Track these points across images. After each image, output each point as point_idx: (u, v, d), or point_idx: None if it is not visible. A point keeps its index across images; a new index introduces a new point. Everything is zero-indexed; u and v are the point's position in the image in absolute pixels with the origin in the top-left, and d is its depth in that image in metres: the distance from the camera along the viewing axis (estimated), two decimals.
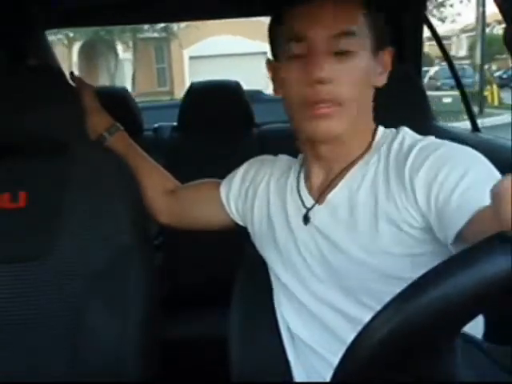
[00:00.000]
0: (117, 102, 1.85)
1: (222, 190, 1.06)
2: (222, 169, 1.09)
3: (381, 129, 0.89)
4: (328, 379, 0.51)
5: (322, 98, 0.80)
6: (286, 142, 0.89)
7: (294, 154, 1.00)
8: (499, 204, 0.42)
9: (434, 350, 0.47)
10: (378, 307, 0.46)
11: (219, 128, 2.00)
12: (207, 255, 1.72)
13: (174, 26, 16.23)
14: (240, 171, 1.05)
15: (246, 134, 2.06)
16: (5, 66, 1.64)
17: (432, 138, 0.83)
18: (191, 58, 18.58)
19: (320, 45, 0.80)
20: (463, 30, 23.59)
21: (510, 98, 12.16)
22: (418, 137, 0.85)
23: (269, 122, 2.13)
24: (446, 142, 0.81)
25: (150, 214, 1.14)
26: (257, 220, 0.99)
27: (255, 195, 1.00)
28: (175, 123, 2.16)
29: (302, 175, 0.95)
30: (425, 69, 14.57)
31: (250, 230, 1.02)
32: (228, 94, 2.04)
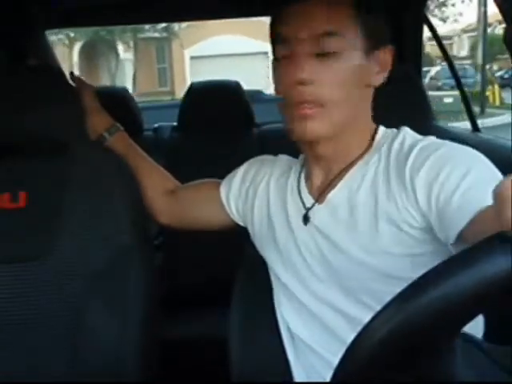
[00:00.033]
0: (117, 101, 1.85)
1: (222, 190, 1.06)
2: (222, 169, 1.08)
3: (381, 129, 0.89)
4: (328, 379, 0.51)
5: (305, 98, 0.81)
6: (286, 142, 0.89)
7: (294, 154, 1.00)
8: (500, 204, 0.42)
9: (434, 350, 0.47)
10: (378, 307, 0.46)
11: (219, 128, 2.00)
12: (207, 255, 1.72)
13: (175, 26, 16.25)
14: (240, 171, 1.05)
15: (245, 134, 2.06)
16: (5, 66, 1.64)
17: (433, 138, 0.83)
18: (192, 57, 18.58)
19: (301, 46, 0.81)
20: (464, 30, 23.59)
21: (510, 98, 12.16)
22: (419, 137, 0.84)
23: (269, 122, 2.13)
24: (447, 142, 0.81)
25: (150, 214, 1.14)
26: (257, 220, 0.99)
27: (255, 195, 1.00)
28: (175, 123, 2.16)
29: (302, 175, 0.95)
30: (426, 69, 14.57)
31: (250, 230, 1.02)
32: (228, 93, 2.04)
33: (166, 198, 1.13)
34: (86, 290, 1.06)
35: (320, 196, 0.90)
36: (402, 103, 1.51)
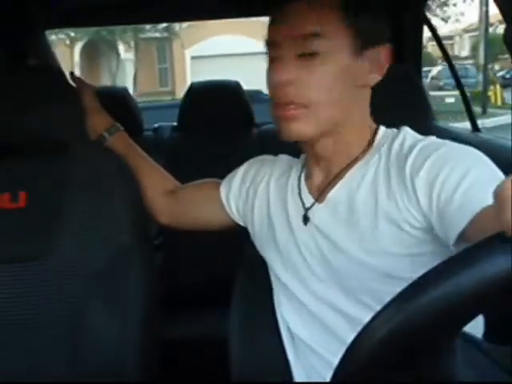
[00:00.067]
0: (117, 101, 1.85)
1: (222, 190, 1.06)
2: (222, 169, 1.08)
3: (382, 129, 0.89)
4: (328, 379, 0.51)
5: (289, 100, 0.82)
6: (286, 142, 0.89)
7: (294, 153, 1.00)
8: (500, 205, 0.42)
9: (434, 350, 0.47)
10: (378, 307, 0.46)
11: (219, 128, 2.00)
12: (207, 255, 1.72)
13: (176, 26, 16.22)
14: (240, 171, 1.05)
15: (245, 134, 2.06)
16: (5, 66, 1.64)
17: (433, 138, 0.83)
18: (193, 57, 18.57)
19: (286, 47, 0.82)
20: (466, 30, 23.57)
21: (511, 98, 12.15)
22: (419, 137, 0.84)
23: (269, 122, 2.13)
24: (447, 142, 0.80)
25: (150, 214, 1.14)
26: (257, 220, 0.99)
27: (255, 195, 1.00)
28: (175, 123, 2.16)
29: (303, 175, 0.95)
30: (427, 68, 14.52)
31: (250, 230, 1.02)
32: (228, 93, 2.04)
33: (166, 198, 1.13)
34: (86, 290, 1.06)
35: (320, 196, 0.90)
36: (401, 103, 1.51)
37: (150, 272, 1.11)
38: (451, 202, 0.71)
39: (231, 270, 1.04)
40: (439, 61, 15.70)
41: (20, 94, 1.08)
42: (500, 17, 1.15)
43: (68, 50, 16.80)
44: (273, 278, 0.98)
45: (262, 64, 0.88)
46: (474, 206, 0.66)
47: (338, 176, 0.88)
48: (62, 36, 14.76)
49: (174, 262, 1.89)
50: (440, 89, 13.36)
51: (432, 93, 11.77)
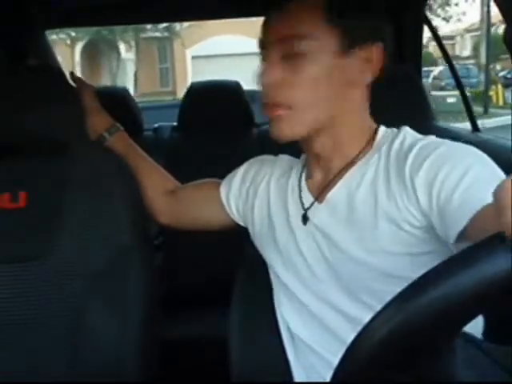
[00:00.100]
0: (117, 102, 1.85)
1: (222, 190, 1.06)
2: (222, 169, 1.08)
3: (382, 129, 0.89)
4: (328, 379, 0.51)
5: (275, 100, 0.84)
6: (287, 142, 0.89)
7: (294, 154, 1.00)
8: (500, 208, 0.42)
9: (434, 350, 0.47)
10: (379, 307, 0.46)
11: (219, 128, 2.00)
12: (207, 255, 1.72)
13: (177, 26, 16.20)
14: (240, 171, 1.05)
15: (245, 134, 2.06)
16: (5, 66, 1.64)
17: (433, 138, 0.83)
18: (194, 57, 18.56)
19: (272, 49, 0.83)
20: (467, 30, 23.54)
21: (511, 97, 12.13)
22: (419, 136, 0.84)
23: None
24: (447, 141, 0.80)
25: (150, 214, 1.14)
26: (257, 220, 0.99)
27: (255, 195, 1.00)
28: (175, 123, 2.16)
29: (303, 175, 0.95)
30: (429, 68, 14.46)
31: (250, 230, 1.02)
32: (228, 93, 2.04)
33: (166, 198, 1.13)
34: (86, 290, 1.06)
35: (320, 195, 0.90)
36: (402, 103, 1.51)
37: (149, 272, 1.11)
38: (451, 200, 0.71)
39: (231, 269, 1.04)
40: (441, 61, 15.66)
41: (20, 94, 1.08)
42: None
43: (69, 50, 16.80)
44: (273, 278, 0.98)
45: None
46: (474, 205, 0.66)
47: (338, 176, 0.88)
48: (62, 36, 14.76)
49: (174, 262, 1.89)
50: (442, 89, 13.33)
51: (434, 93, 11.76)
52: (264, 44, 0.85)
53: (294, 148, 0.94)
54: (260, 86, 0.85)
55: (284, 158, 1.03)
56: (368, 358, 0.45)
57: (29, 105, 1.07)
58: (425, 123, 1.66)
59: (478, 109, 10.91)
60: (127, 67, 17.99)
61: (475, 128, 1.99)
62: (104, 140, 1.15)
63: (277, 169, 1.00)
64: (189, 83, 2.26)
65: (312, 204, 0.90)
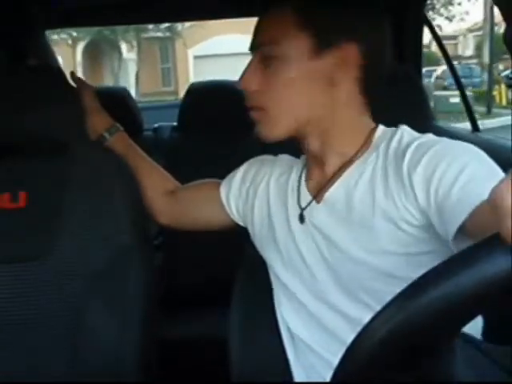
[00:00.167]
0: (117, 102, 1.85)
1: (222, 190, 1.06)
2: (222, 169, 1.08)
3: (380, 128, 0.89)
4: (328, 379, 0.51)
5: (252, 104, 0.88)
6: (286, 142, 0.89)
7: (294, 153, 1.00)
8: (499, 213, 0.41)
9: (434, 350, 0.47)
10: (378, 307, 0.46)
11: (219, 128, 1.99)
12: (207, 255, 1.72)
13: (178, 26, 16.19)
14: (240, 171, 1.05)
15: (246, 134, 2.05)
16: (5, 66, 1.64)
17: (430, 136, 0.83)
18: (196, 57, 18.54)
19: (253, 54, 0.88)
20: (470, 30, 23.52)
21: None
22: (417, 134, 0.84)
23: None
24: (444, 139, 0.80)
25: (150, 214, 1.14)
26: (257, 220, 0.99)
27: (255, 195, 1.00)
28: (175, 123, 2.16)
29: (303, 175, 0.95)
30: (432, 68, 14.38)
31: (250, 230, 1.02)
32: (228, 93, 2.03)
33: (166, 198, 1.13)
34: (86, 290, 1.07)
35: (318, 195, 0.90)
36: (402, 103, 1.51)
37: (149, 272, 1.11)
38: (449, 196, 0.70)
39: (231, 269, 1.04)
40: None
41: (20, 94, 1.08)
42: None
43: (70, 50, 16.82)
44: (273, 278, 0.98)
45: None
46: (473, 200, 0.65)
47: (336, 175, 0.88)
48: (64, 36, 14.75)
49: (174, 262, 1.89)
50: (444, 88, 13.28)
51: (437, 92, 11.73)
52: (250, 49, 0.89)
53: (294, 148, 0.94)
54: (240, 89, 0.89)
55: (284, 158, 1.03)
56: (368, 357, 0.45)
57: (29, 105, 1.08)
58: (424, 123, 1.66)
59: (481, 109, 10.88)
60: (129, 67, 17.99)
61: (475, 128, 1.99)
62: (104, 140, 1.15)
63: (276, 169, 1.00)
64: None
65: (309, 203, 0.90)
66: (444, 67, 14.65)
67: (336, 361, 0.48)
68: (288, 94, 0.84)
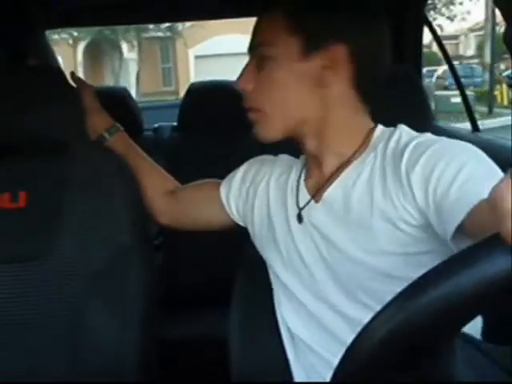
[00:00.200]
0: (117, 102, 1.85)
1: (222, 190, 1.06)
2: (222, 169, 1.08)
3: (379, 127, 0.89)
4: (328, 379, 0.51)
5: (248, 105, 0.90)
6: (286, 142, 0.90)
7: (294, 153, 1.00)
8: (499, 215, 0.41)
9: (434, 350, 0.47)
10: (377, 307, 0.46)
11: (219, 128, 1.99)
12: (207, 255, 1.72)
13: (179, 25, 16.19)
14: (240, 171, 1.06)
15: (245, 134, 2.04)
16: (5, 66, 1.64)
17: (428, 135, 0.83)
18: (197, 57, 18.53)
19: (249, 56, 0.90)
20: (472, 29, 23.49)
21: None
22: (415, 134, 0.85)
23: None
24: (443, 138, 0.80)
25: (150, 214, 1.14)
26: (257, 220, 0.99)
27: (255, 195, 1.00)
28: (175, 123, 2.16)
29: (303, 174, 0.95)
30: (433, 68, 14.34)
31: (250, 230, 1.02)
32: (228, 94, 2.03)
33: (166, 198, 1.13)
34: (86, 290, 1.06)
35: (317, 195, 0.90)
36: (402, 103, 1.51)
37: (149, 272, 1.11)
38: (447, 196, 0.70)
39: (231, 269, 1.04)
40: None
41: (20, 94, 1.08)
42: None
43: (71, 50, 16.82)
44: (273, 278, 0.98)
45: None
46: (471, 199, 0.65)
47: (334, 175, 0.88)
48: (64, 35, 14.75)
49: (174, 262, 1.89)
50: (445, 88, 13.26)
51: (438, 92, 11.70)
52: (248, 50, 0.91)
53: (293, 148, 0.94)
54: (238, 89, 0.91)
55: (284, 158, 1.03)
56: (368, 357, 0.45)
57: (29, 105, 1.08)
58: (424, 123, 1.66)
59: (482, 108, 10.86)
60: (129, 67, 17.98)
61: (475, 128, 1.99)
62: (104, 140, 1.15)
63: (276, 168, 1.00)
64: None
65: (307, 203, 0.90)
66: (445, 67, 14.61)
67: (336, 361, 0.48)
68: (280, 95, 0.86)
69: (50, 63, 2.11)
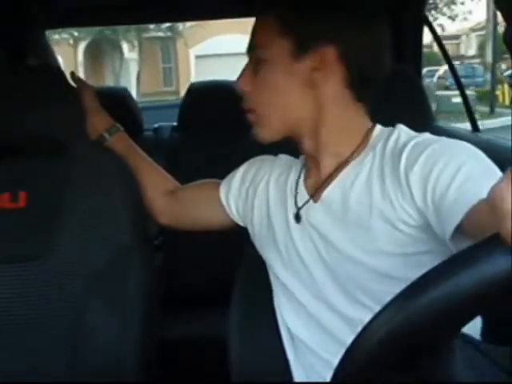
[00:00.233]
0: (117, 102, 1.85)
1: (222, 190, 1.06)
2: (222, 169, 1.08)
3: (378, 127, 0.89)
4: (328, 379, 0.51)
5: (246, 106, 0.92)
6: (285, 143, 0.90)
7: (294, 154, 1.00)
8: (499, 216, 0.41)
9: (433, 350, 0.47)
10: (376, 307, 0.46)
11: (219, 128, 1.99)
12: (207, 255, 1.72)
13: (180, 25, 16.19)
14: (240, 171, 1.06)
15: (245, 134, 2.05)
16: (5, 66, 1.64)
17: (427, 135, 0.83)
18: (197, 57, 18.53)
19: (249, 56, 0.91)
20: (473, 29, 23.46)
21: None
22: (414, 134, 0.84)
23: None
24: (442, 138, 0.80)
25: (150, 214, 1.14)
26: (257, 220, 0.99)
27: (255, 195, 1.00)
28: (175, 123, 2.16)
29: (302, 175, 0.95)
30: (434, 68, 14.34)
31: (250, 230, 1.02)
32: (228, 94, 2.03)
33: (166, 198, 1.13)
34: (86, 290, 1.07)
35: (315, 195, 0.90)
36: (401, 103, 1.51)
37: (149, 272, 1.11)
38: (446, 196, 0.70)
39: (231, 270, 1.04)
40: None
41: (20, 94, 1.08)
42: None
43: (71, 50, 16.82)
44: (272, 278, 0.98)
45: None
46: (470, 199, 0.65)
47: (333, 175, 0.88)
48: (65, 35, 14.74)
49: (174, 262, 1.89)
50: (446, 88, 13.26)
51: (439, 92, 11.69)
52: (247, 51, 0.92)
53: (293, 148, 0.94)
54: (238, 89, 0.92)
55: (283, 158, 1.03)
56: (368, 358, 0.45)
57: (29, 105, 1.08)
58: (424, 123, 1.66)
59: (484, 108, 10.84)
60: (130, 67, 17.97)
61: (475, 128, 1.99)
62: (104, 140, 1.15)
63: (276, 168, 1.00)
64: None
65: (305, 203, 0.90)
66: (446, 67, 14.61)
67: (335, 361, 0.48)
68: (275, 96, 0.88)
69: (50, 63, 2.11)
